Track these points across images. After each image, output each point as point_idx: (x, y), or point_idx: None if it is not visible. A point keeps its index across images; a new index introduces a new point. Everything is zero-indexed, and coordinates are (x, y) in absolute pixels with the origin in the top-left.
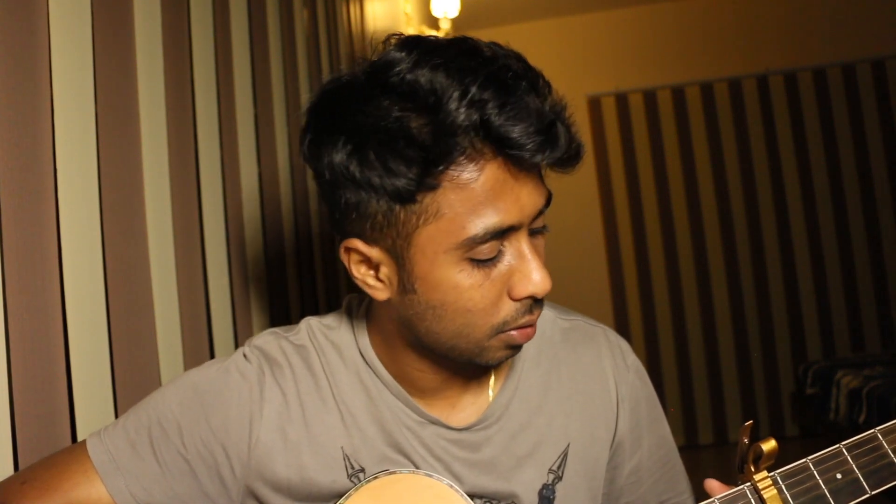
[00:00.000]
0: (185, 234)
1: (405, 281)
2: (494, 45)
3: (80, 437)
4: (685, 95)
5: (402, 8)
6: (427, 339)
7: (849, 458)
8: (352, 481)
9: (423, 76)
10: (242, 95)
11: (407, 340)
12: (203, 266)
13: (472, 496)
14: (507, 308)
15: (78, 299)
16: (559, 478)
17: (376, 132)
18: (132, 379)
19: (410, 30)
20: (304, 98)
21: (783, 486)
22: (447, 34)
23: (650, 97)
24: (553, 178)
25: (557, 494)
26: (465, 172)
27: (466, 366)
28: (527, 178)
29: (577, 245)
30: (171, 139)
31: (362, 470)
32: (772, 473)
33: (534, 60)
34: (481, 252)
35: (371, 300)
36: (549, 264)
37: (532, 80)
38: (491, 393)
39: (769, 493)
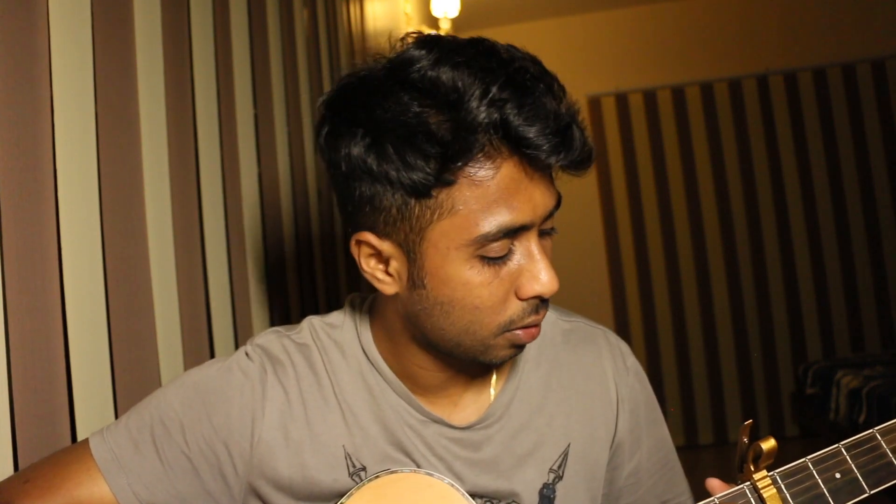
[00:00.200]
0: (185, 234)
1: (415, 276)
2: (511, 48)
3: (80, 437)
4: (685, 95)
5: (402, 8)
6: (433, 335)
7: (848, 457)
8: (353, 480)
9: (445, 73)
10: (242, 95)
11: (412, 337)
12: (203, 266)
13: (472, 495)
14: (514, 307)
15: (78, 299)
16: (560, 477)
17: (395, 126)
18: (132, 379)
19: (410, 30)
20: (305, 98)
21: (782, 486)
22: (446, 34)
23: (650, 97)
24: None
25: (558, 494)
26: (482, 170)
27: (470, 364)
28: (540, 178)
29: (577, 245)
30: (171, 139)
31: (363, 468)
32: (771, 473)
33: None
34: (492, 250)
35: (374, 298)
36: None
37: (548, 82)
38: (492, 392)
39: (768, 493)
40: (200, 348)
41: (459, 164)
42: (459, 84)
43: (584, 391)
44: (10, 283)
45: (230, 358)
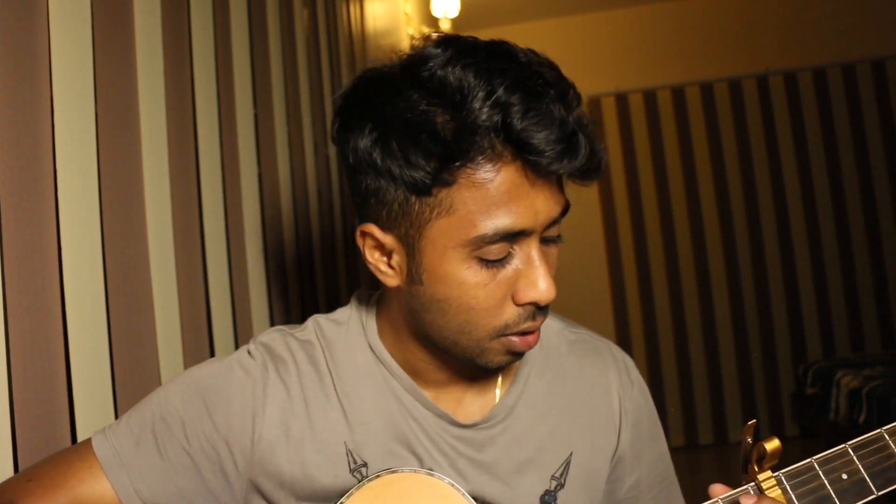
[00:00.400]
0: (185, 234)
1: (414, 271)
2: (530, 52)
3: (80, 437)
4: (685, 95)
5: (402, 8)
6: (431, 331)
7: (855, 458)
8: (354, 476)
9: (453, 73)
10: (242, 95)
11: (414, 332)
12: (203, 266)
13: (474, 498)
14: (510, 311)
15: (78, 299)
16: (561, 485)
17: (401, 123)
18: (132, 379)
19: (410, 30)
20: (304, 98)
21: (788, 487)
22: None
23: (650, 97)
24: None
25: (559, 502)
26: (482, 172)
27: (468, 365)
28: (544, 185)
29: (577, 245)
30: (171, 139)
31: (365, 464)
32: (776, 473)
33: None
34: (490, 252)
35: (381, 294)
36: None
37: (562, 90)
38: (498, 392)
39: (773, 494)
40: (200, 348)
41: (458, 164)
42: (465, 84)
43: (588, 402)
44: (10, 283)
45: (232, 355)
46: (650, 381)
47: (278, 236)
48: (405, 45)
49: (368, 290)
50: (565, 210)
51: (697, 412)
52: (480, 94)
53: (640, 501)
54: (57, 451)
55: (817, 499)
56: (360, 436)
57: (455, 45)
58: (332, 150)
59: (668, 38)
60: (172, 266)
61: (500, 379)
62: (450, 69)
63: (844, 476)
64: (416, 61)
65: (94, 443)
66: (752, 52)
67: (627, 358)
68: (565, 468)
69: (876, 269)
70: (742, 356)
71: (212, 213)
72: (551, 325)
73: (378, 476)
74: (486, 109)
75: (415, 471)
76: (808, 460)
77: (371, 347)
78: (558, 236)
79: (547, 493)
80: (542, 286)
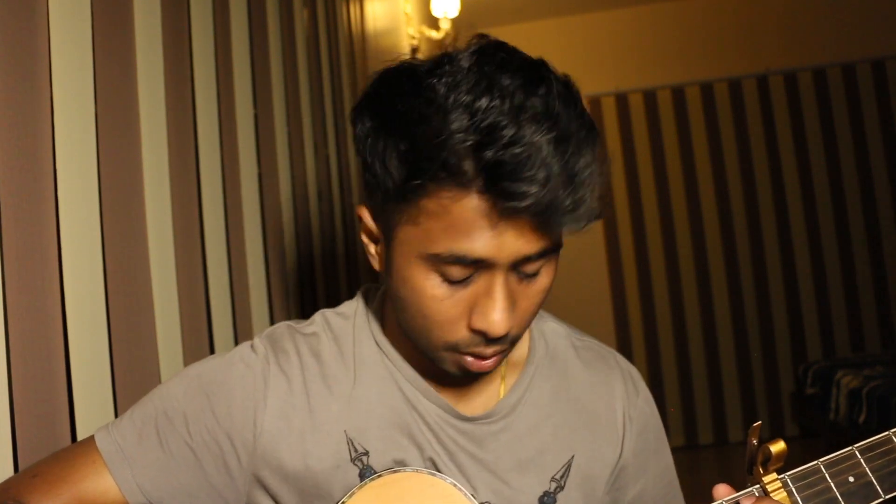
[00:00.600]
0: (185, 234)
1: (387, 264)
2: (564, 86)
3: (80, 437)
4: (685, 95)
5: (402, 8)
6: (401, 323)
7: (862, 460)
8: (355, 464)
9: (446, 88)
10: (242, 95)
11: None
12: (203, 266)
13: (473, 496)
14: (463, 332)
15: (78, 299)
16: (561, 487)
17: (392, 124)
18: (132, 379)
19: (410, 30)
20: (304, 98)
21: (793, 489)
22: (447, 34)
23: (650, 97)
24: None
25: None
26: (446, 192)
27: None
28: (518, 220)
29: (577, 245)
30: (171, 139)
31: (366, 453)
32: (782, 476)
33: None
34: (449, 272)
35: (387, 286)
36: None
37: (565, 132)
38: (501, 390)
39: (779, 496)
40: (200, 348)
41: (425, 179)
42: (451, 101)
43: (592, 409)
44: (10, 283)
45: (235, 350)
46: (650, 381)
47: (278, 236)
48: (405, 45)
49: (376, 285)
50: (548, 250)
51: (697, 412)
52: (464, 117)
53: None
54: (54, 451)
55: (823, 502)
56: (361, 424)
57: (479, 57)
58: (333, 150)
59: (668, 38)
60: (172, 266)
61: (503, 377)
62: (448, 82)
63: (851, 479)
64: (433, 64)
65: (97, 439)
66: (752, 52)
67: (634, 369)
68: (566, 471)
69: (876, 269)
70: (742, 356)
71: (212, 213)
72: (557, 330)
73: (380, 476)
74: (461, 133)
75: (417, 470)
76: (815, 463)
77: (375, 339)
78: (536, 273)
79: (546, 494)
80: (494, 318)
